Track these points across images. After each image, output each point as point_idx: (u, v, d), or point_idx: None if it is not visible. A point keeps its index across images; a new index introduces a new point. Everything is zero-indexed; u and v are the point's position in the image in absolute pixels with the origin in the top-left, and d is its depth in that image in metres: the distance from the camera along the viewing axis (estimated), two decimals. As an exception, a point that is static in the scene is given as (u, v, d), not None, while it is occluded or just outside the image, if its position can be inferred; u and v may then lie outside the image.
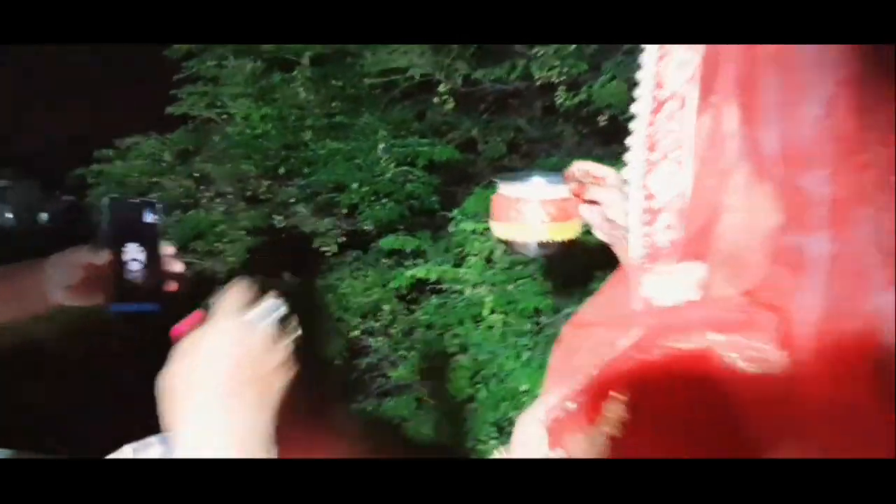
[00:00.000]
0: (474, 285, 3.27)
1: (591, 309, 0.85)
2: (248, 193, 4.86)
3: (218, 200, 4.68)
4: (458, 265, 3.38)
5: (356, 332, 4.04)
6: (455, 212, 3.47)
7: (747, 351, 0.50)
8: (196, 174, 4.71)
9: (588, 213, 0.88)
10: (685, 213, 0.58)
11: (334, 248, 4.29)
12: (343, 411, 3.73)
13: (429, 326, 3.47)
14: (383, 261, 4.02)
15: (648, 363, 0.54)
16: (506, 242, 0.93)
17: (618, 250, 0.88)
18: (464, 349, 3.27)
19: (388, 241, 3.60)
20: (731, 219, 0.54)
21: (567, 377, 0.68)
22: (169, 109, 4.81)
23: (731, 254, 0.54)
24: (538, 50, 3.88)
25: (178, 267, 1.10)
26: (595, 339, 0.71)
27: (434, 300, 3.43)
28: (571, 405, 0.62)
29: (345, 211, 4.12)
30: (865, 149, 0.48)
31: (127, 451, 0.95)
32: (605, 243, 0.91)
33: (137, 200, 1.10)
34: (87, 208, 4.89)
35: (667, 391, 0.52)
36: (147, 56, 5.15)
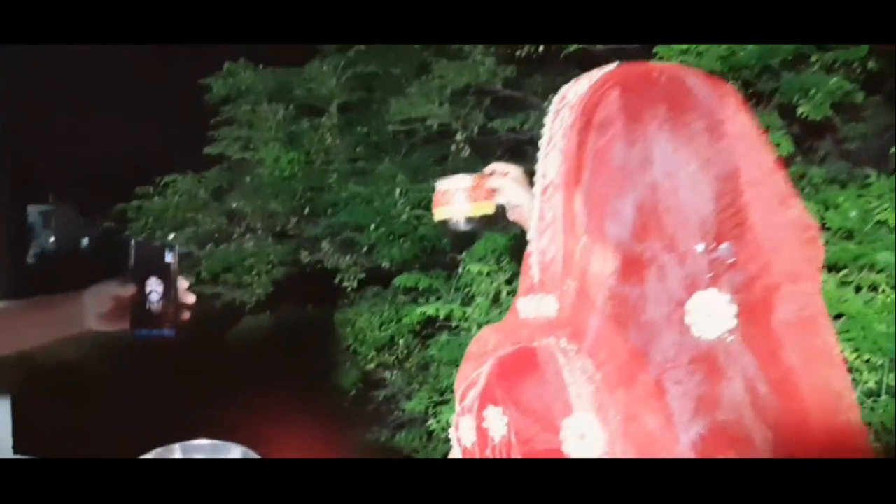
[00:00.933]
0: (481, 324, 3.45)
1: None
2: (277, 230, 5.15)
3: (248, 236, 4.98)
4: (466, 304, 3.56)
5: (372, 365, 4.23)
6: (464, 254, 3.68)
7: (561, 348, 0.70)
8: (229, 211, 5.02)
9: (498, 198, 1.16)
10: (558, 265, 0.77)
11: (354, 284, 4.53)
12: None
13: (438, 362, 3.64)
14: (400, 297, 4.22)
15: (504, 359, 0.74)
16: (443, 223, 1.19)
17: (525, 225, 1.11)
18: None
19: (402, 279, 3.80)
20: (587, 267, 0.73)
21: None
22: (206, 150, 5.16)
23: (587, 292, 0.74)
24: (549, 102, 4.12)
25: (190, 299, 1.20)
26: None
27: (444, 337, 3.61)
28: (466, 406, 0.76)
29: (364, 249, 4.35)
30: (649, 241, 0.68)
31: (152, 456, 1.03)
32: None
33: (158, 243, 1.28)
34: (124, 240, 5.21)
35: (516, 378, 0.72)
36: (185, 99, 5.52)
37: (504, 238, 3.52)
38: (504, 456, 0.71)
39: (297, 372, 4.52)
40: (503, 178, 1.15)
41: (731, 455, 0.67)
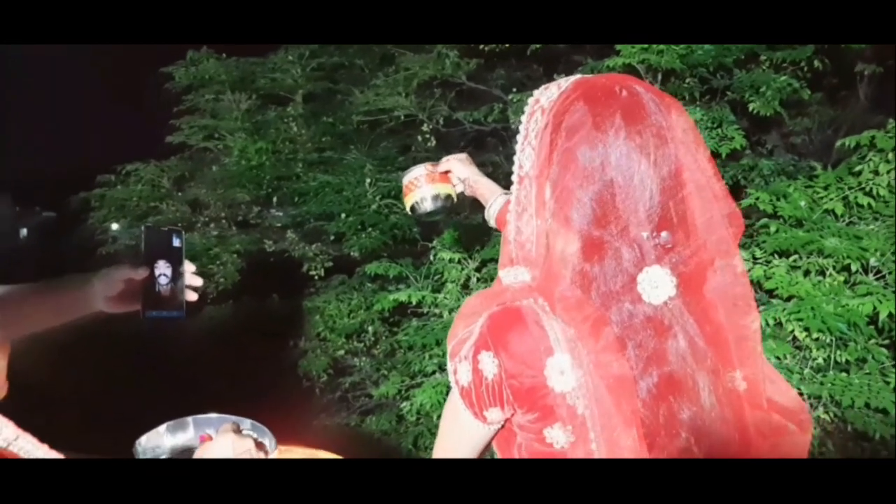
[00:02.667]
0: (451, 310, 3.55)
1: None
2: (240, 219, 5.14)
3: (212, 225, 4.97)
4: (437, 290, 3.65)
5: (341, 352, 4.29)
6: (435, 242, 3.77)
7: (540, 305, 0.84)
8: (192, 200, 4.99)
9: (453, 178, 1.36)
10: (534, 243, 0.88)
11: (321, 273, 4.58)
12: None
13: (409, 347, 3.73)
14: (368, 285, 4.29)
15: (495, 315, 0.86)
16: (412, 208, 1.38)
17: (477, 195, 1.37)
18: (441, 368, 3.52)
19: (372, 267, 3.86)
20: (555, 245, 0.87)
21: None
22: (168, 139, 5.12)
23: (556, 264, 0.87)
24: (514, 96, 4.23)
25: (197, 281, 1.23)
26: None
27: (414, 322, 3.70)
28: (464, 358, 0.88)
29: (332, 238, 4.40)
30: (607, 227, 0.84)
31: (162, 429, 1.07)
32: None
33: (167, 228, 1.25)
34: (87, 229, 5.11)
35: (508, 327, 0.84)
36: (147, 88, 5.44)
37: (473, 227, 3.62)
38: (496, 390, 0.86)
39: (265, 359, 4.54)
40: (452, 159, 1.37)
41: (677, 397, 0.84)
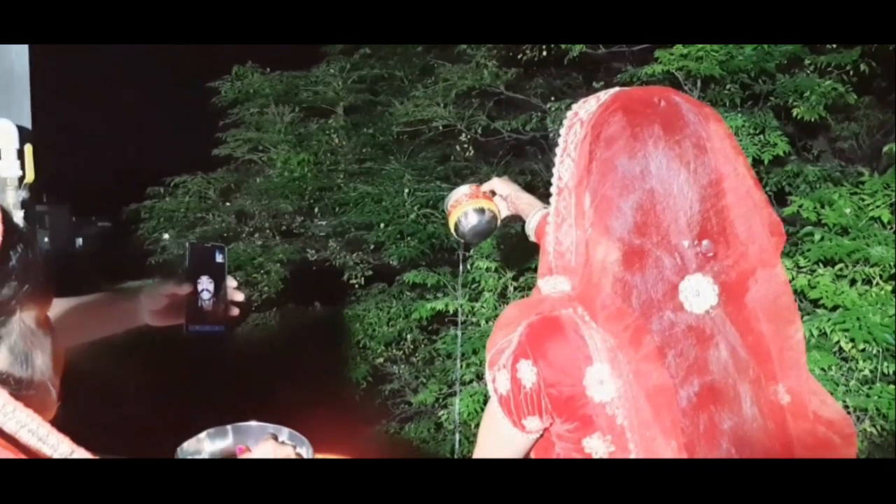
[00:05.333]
0: (488, 319, 3.56)
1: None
2: (284, 228, 5.25)
3: (256, 235, 5.09)
4: (474, 299, 3.67)
5: (380, 360, 4.33)
6: (472, 251, 3.79)
7: (579, 315, 0.85)
8: (237, 210, 5.12)
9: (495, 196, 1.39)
10: (574, 254, 0.89)
11: (361, 281, 4.64)
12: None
13: (448, 355, 3.75)
14: (406, 294, 4.33)
15: (533, 324, 0.87)
16: (456, 227, 1.39)
17: (517, 211, 1.38)
18: (479, 377, 3.53)
19: (410, 276, 3.90)
20: (595, 255, 0.88)
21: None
22: (215, 151, 5.27)
23: (595, 274, 0.87)
24: (552, 105, 4.23)
25: (239, 296, 1.25)
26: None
27: (452, 331, 3.72)
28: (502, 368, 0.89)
29: (372, 247, 4.46)
30: (647, 236, 0.85)
31: (202, 436, 1.07)
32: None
33: (210, 244, 1.27)
34: (137, 239, 5.29)
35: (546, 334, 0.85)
36: (194, 102, 5.63)
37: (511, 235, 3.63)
38: (534, 399, 0.86)
39: (307, 367, 4.62)
40: (493, 180, 1.40)
41: (718, 407, 0.83)
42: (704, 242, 0.84)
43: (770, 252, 0.88)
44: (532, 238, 1.35)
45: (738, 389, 0.84)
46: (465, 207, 1.37)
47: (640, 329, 0.83)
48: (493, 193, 1.39)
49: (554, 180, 0.91)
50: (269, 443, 0.93)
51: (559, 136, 0.93)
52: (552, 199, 0.92)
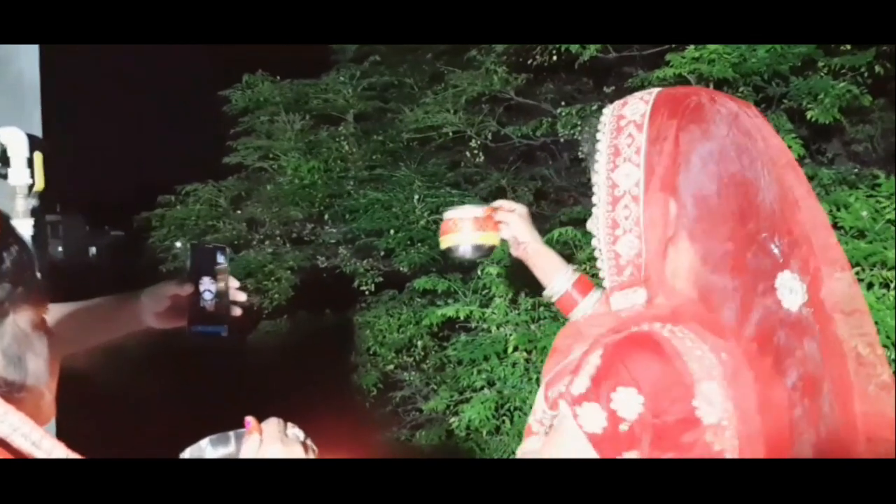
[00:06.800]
0: (499, 325, 3.54)
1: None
2: (294, 236, 5.26)
3: (267, 242, 5.10)
4: (484, 305, 3.65)
5: (391, 367, 4.32)
6: (483, 257, 3.77)
7: (673, 330, 0.79)
8: (248, 218, 5.14)
9: (503, 233, 1.24)
10: (641, 265, 0.84)
11: (371, 288, 4.63)
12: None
13: (459, 362, 3.73)
14: (417, 300, 4.31)
15: (624, 342, 0.79)
16: (448, 250, 1.25)
17: (530, 264, 1.24)
18: (490, 384, 3.51)
19: (421, 282, 3.88)
20: (672, 263, 0.85)
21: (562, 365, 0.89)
22: (225, 159, 5.30)
23: (671, 283, 0.83)
24: (563, 110, 4.21)
25: (241, 297, 1.27)
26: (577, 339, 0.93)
27: (463, 337, 3.70)
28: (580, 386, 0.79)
29: (382, 254, 4.45)
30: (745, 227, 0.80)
31: (204, 443, 1.04)
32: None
33: (212, 245, 1.29)
34: (149, 247, 5.32)
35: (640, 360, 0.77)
36: (205, 111, 5.66)
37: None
38: (639, 432, 0.76)
39: (318, 374, 4.61)
40: (511, 213, 1.23)
41: (813, 397, 0.81)
42: (784, 239, 0.83)
43: (836, 250, 0.87)
44: (554, 301, 1.24)
45: (822, 385, 0.83)
46: (462, 237, 1.23)
47: (743, 336, 0.79)
48: (500, 222, 1.23)
49: (602, 189, 0.86)
50: (274, 421, 0.89)
51: (595, 142, 0.89)
52: (600, 210, 0.87)
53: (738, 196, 0.81)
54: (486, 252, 1.25)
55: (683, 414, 0.76)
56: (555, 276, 1.22)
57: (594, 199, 0.91)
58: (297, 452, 0.84)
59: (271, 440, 0.84)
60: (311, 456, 0.88)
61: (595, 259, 0.90)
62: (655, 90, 0.89)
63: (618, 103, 0.90)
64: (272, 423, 0.87)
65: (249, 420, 0.90)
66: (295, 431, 0.89)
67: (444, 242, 1.26)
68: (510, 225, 1.23)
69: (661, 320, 0.80)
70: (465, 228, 1.23)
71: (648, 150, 0.84)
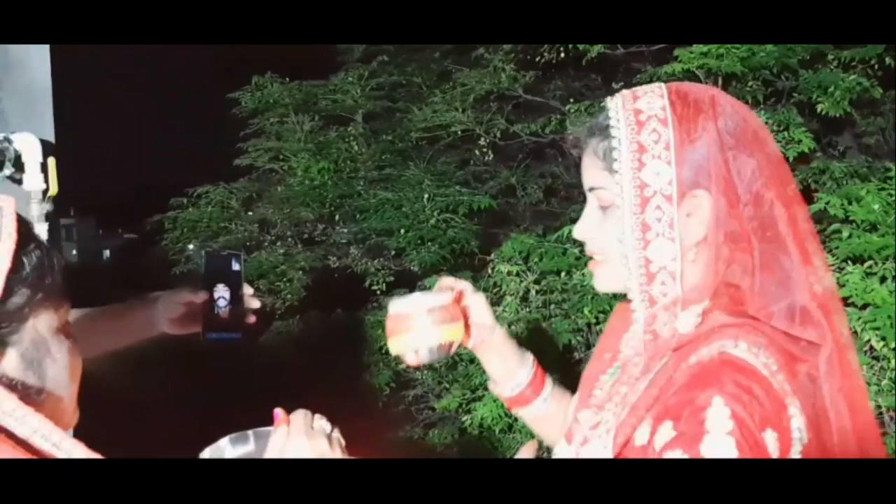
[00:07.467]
0: (510, 323, 3.54)
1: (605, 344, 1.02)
2: (305, 236, 5.29)
3: (279, 243, 5.13)
4: (495, 303, 3.65)
5: (403, 366, 4.33)
6: (493, 255, 3.78)
7: (745, 344, 0.76)
8: (259, 219, 5.17)
9: (473, 316, 1.03)
10: (676, 273, 0.80)
11: (383, 287, 4.65)
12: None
13: (471, 360, 3.73)
14: (428, 299, 4.31)
15: (701, 370, 0.75)
16: (401, 355, 1.00)
17: (482, 350, 1.05)
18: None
19: (431, 281, 3.88)
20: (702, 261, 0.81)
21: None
22: (237, 161, 5.33)
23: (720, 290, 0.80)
24: (571, 106, 4.21)
25: (255, 304, 1.26)
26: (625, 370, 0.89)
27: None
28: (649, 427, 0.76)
29: (393, 253, 4.47)
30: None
31: (223, 443, 1.05)
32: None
33: (226, 252, 1.33)
34: (162, 250, 5.36)
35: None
36: (215, 113, 5.70)
37: (531, 239, 3.62)
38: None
39: (330, 373, 4.63)
40: (476, 294, 1.04)
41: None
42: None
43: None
44: (505, 395, 1.07)
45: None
46: (424, 339, 0.97)
47: (795, 344, 0.77)
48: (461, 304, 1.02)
49: (628, 191, 0.80)
50: (301, 413, 0.87)
51: (607, 138, 0.83)
52: (626, 213, 0.80)
53: (772, 192, 0.81)
54: (448, 352, 0.99)
55: (789, 445, 0.75)
56: (519, 367, 1.06)
57: (598, 200, 0.86)
58: (322, 445, 0.84)
59: (297, 432, 0.84)
60: (338, 449, 0.87)
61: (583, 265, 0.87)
62: (657, 84, 0.86)
63: (626, 97, 0.85)
64: (299, 416, 0.86)
65: (278, 412, 0.90)
66: (322, 424, 0.88)
67: (395, 346, 1.00)
68: (476, 309, 1.03)
69: (732, 341, 0.76)
70: (420, 326, 0.97)
71: (684, 147, 0.80)
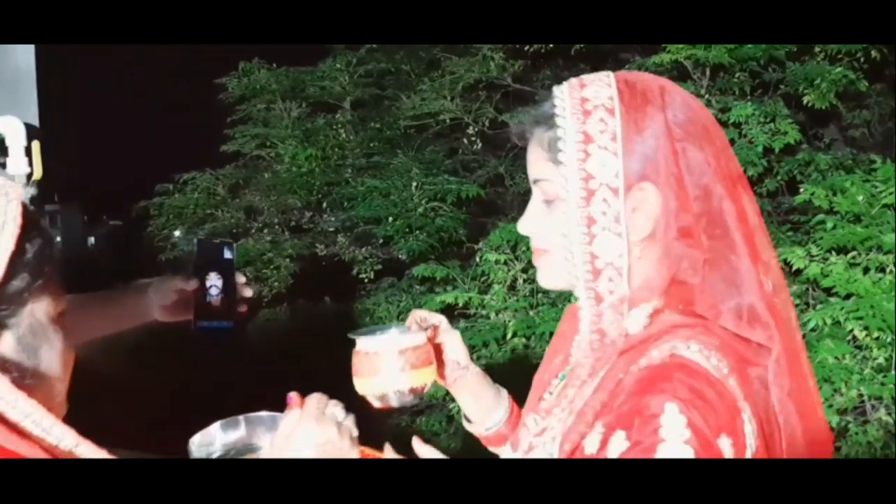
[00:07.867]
0: (498, 311, 3.56)
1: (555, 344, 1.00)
2: (293, 224, 5.27)
3: (265, 231, 5.11)
4: (483, 292, 3.67)
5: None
6: (481, 243, 3.78)
7: (697, 346, 0.73)
8: (246, 206, 5.14)
9: (447, 353, 0.99)
10: (623, 270, 0.76)
11: (371, 275, 4.65)
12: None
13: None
14: (416, 287, 4.33)
15: (653, 371, 0.72)
16: (367, 398, 0.93)
17: (456, 389, 1.00)
18: (488, 369, 3.53)
19: (420, 270, 3.90)
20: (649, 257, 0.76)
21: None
22: (223, 147, 5.28)
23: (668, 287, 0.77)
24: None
25: (248, 292, 1.25)
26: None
27: (461, 324, 3.72)
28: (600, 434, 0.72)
29: (381, 241, 4.46)
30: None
31: (214, 428, 1.03)
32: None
33: (218, 240, 1.29)
34: (148, 236, 5.31)
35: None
36: (202, 99, 5.64)
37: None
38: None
39: (318, 361, 4.63)
40: (451, 332, 0.99)
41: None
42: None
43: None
44: (481, 433, 1.02)
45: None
46: (393, 381, 0.90)
47: (748, 347, 0.75)
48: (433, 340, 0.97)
49: (572, 182, 0.76)
50: (315, 397, 0.84)
51: (552, 127, 0.77)
52: (571, 206, 0.76)
53: (719, 185, 0.78)
54: (420, 395, 0.92)
55: (740, 436, 0.72)
56: (495, 407, 1.01)
57: (543, 194, 0.81)
58: (331, 431, 0.82)
59: (308, 417, 0.82)
60: (346, 437, 0.85)
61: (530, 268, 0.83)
62: (605, 73, 0.82)
63: (573, 85, 0.80)
64: (312, 400, 0.84)
65: (292, 395, 0.88)
66: (335, 411, 0.86)
67: (362, 388, 0.92)
68: (451, 347, 0.98)
69: (684, 342, 0.73)
70: (390, 368, 0.90)
71: (625, 138, 0.76)
